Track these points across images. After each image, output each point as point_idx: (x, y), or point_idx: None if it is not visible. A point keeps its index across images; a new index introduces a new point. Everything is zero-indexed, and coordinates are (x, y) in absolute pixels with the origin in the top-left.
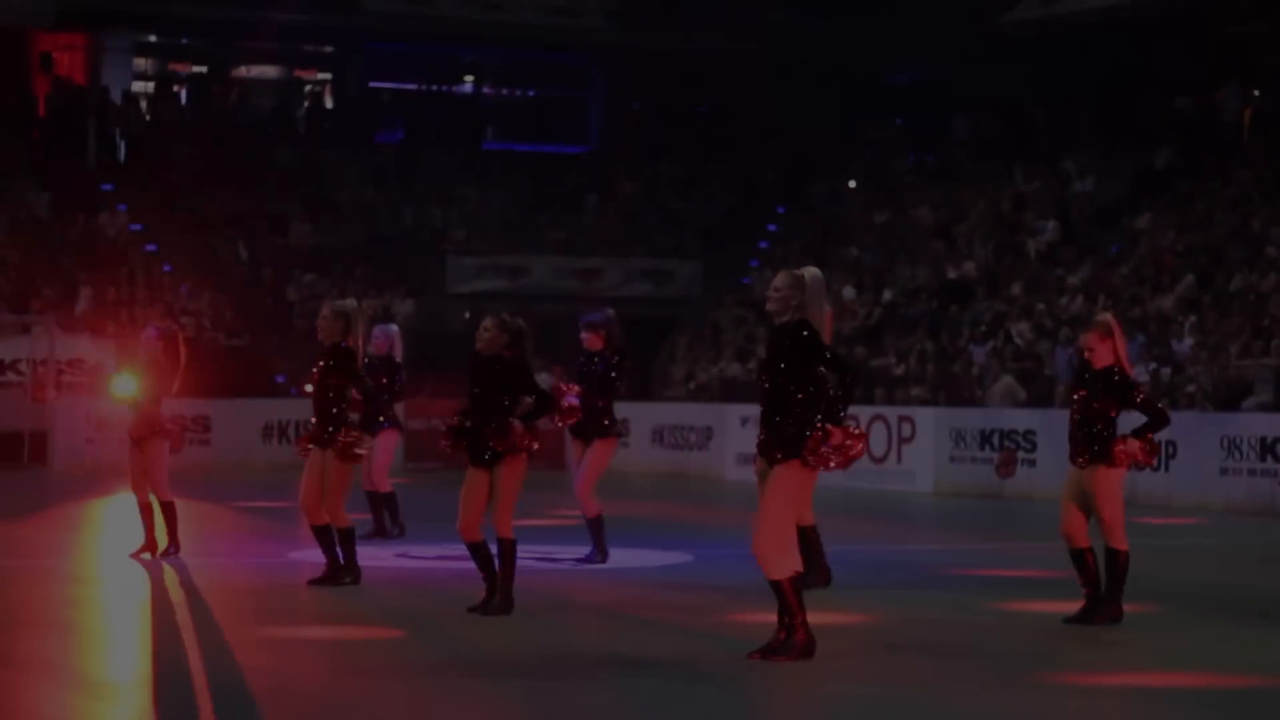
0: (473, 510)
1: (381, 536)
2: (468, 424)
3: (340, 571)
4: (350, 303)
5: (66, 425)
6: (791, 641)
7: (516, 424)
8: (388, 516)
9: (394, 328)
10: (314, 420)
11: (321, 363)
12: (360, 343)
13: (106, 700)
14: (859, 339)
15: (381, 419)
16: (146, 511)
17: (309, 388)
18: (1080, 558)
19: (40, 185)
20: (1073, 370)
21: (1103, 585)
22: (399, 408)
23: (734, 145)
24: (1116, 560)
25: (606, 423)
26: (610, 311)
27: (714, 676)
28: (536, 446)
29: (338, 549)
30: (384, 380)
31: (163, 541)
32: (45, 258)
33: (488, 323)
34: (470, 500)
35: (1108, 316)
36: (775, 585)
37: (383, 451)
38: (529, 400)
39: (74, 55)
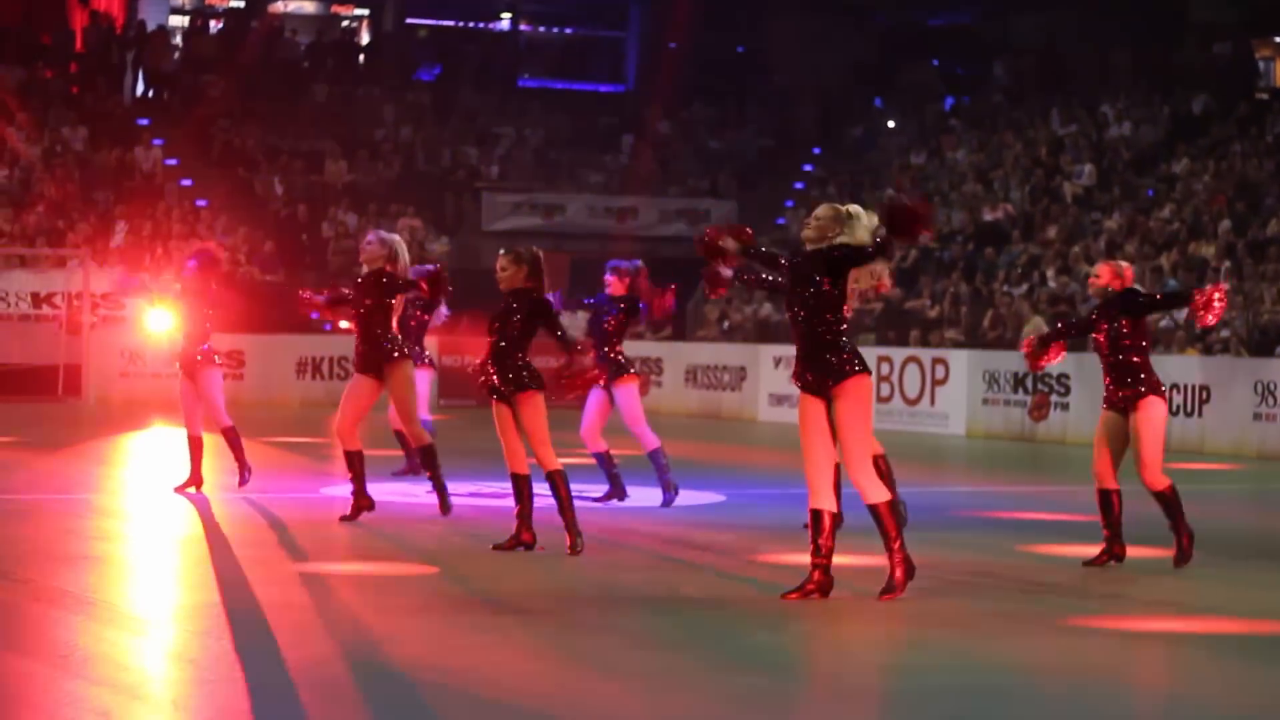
0: (513, 444)
1: (415, 474)
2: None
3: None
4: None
5: (101, 358)
6: (892, 581)
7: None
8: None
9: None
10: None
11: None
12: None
13: (137, 634)
14: (894, 280)
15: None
16: (196, 446)
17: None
18: (1106, 499)
19: (76, 119)
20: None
21: (1121, 531)
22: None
23: (770, 86)
24: (1166, 499)
25: (623, 364)
26: (640, 264)
27: (746, 616)
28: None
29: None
30: (425, 317)
31: (210, 475)
32: (81, 192)
33: (503, 260)
34: (505, 435)
35: (1124, 263)
36: (872, 509)
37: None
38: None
39: None
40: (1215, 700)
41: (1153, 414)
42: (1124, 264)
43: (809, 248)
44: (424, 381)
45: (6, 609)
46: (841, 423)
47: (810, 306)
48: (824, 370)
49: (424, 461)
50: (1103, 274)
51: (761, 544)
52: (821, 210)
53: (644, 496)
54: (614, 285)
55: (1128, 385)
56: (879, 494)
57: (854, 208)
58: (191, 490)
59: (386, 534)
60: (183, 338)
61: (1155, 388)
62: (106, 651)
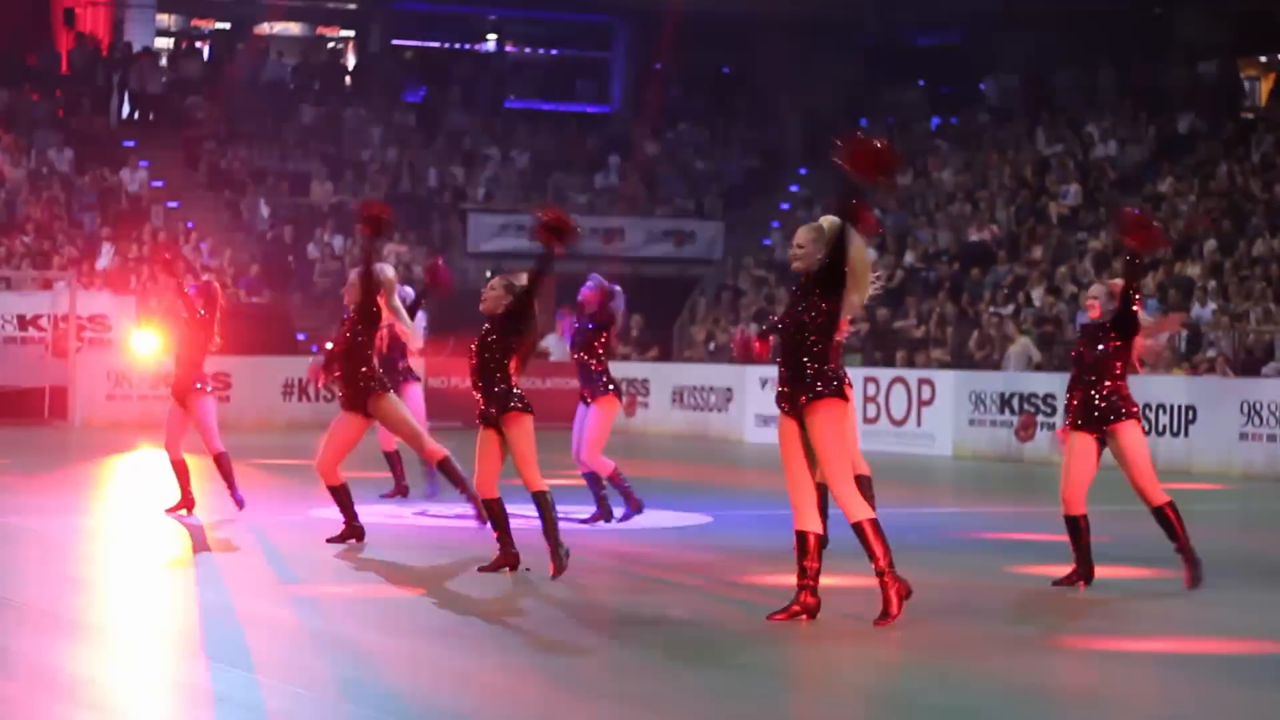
0: (486, 468)
1: (404, 495)
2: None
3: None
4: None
5: (87, 381)
6: (886, 608)
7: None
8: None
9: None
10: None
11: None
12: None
13: (124, 658)
14: (880, 301)
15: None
16: (181, 469)
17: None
18: (1074, 524)
19: (62, 141)
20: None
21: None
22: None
23: (756, 106)
24: (1166, 515)
25: (604, 383)
26: (617, 288)
27: (732, 637)
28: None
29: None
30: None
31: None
32: (67, 214)
33: (494, 281)
34: (483, 458)
35: (1118, 283)
36: (856, 528)
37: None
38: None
39: (97, 11)
40: None
41: (1136, 430)
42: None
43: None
44: (417, 396)
45: None
46: (816, 444)
47: (797, 324)
48: (798, 389)
49: (445, 473)
50: (1100, 300)
51: (748, 565)
52: (801, 235)
53: (643, 518)
54: (588, 298)
55: (1110, 411)
56: (862, 511)
57: (829, 220)
58: (183, 513)
59: (373, 556)
60: (176, 363)
61: (1133, 409)
62: (93, 675)
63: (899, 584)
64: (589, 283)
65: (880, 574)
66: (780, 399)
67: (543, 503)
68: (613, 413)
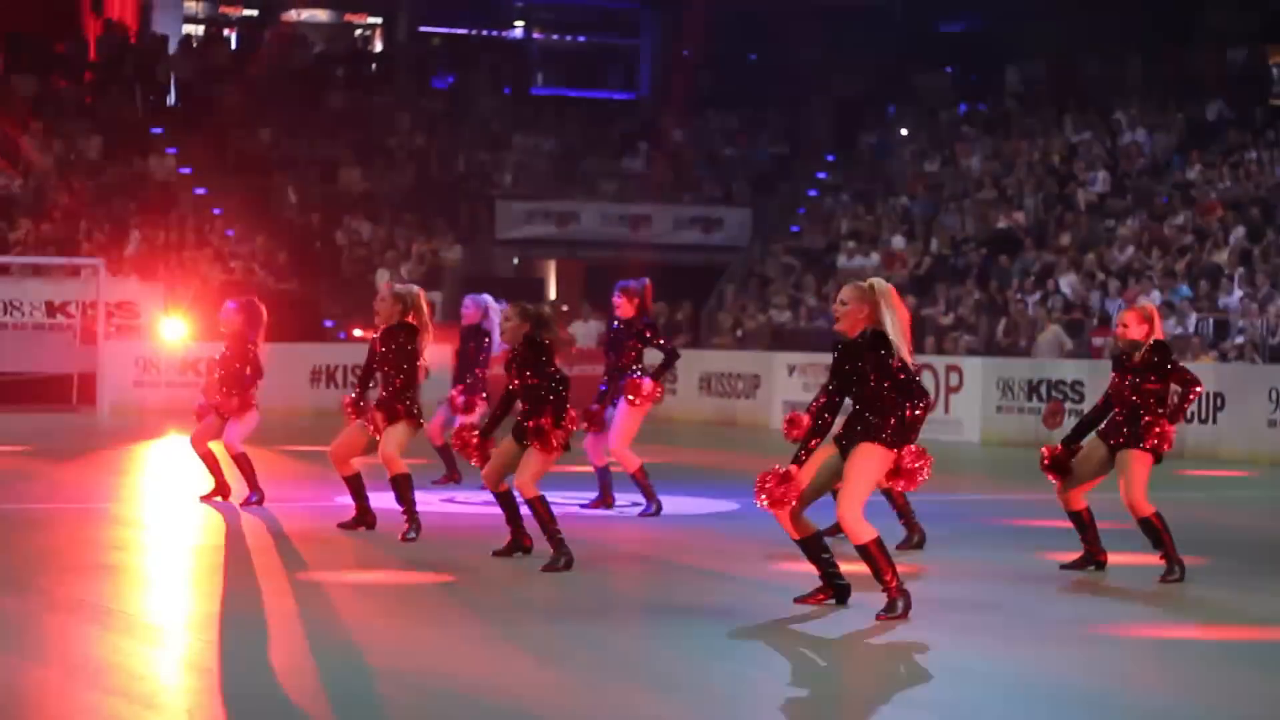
0: (495, 465)
1: (456, 482)
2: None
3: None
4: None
5: (115, 368)
6: (893, 604)
7: (550, 428)
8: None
9: (487, 297)
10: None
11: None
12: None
13: (152, 644)
14: (908, 288)
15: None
16: (210, 459)
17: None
18: (1077, 518)
19: (90, 129)
20: (1113, 358)
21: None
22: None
23: (784, 93)
24: (1152, 525)
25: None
26: (647, 281)
27: (759, 624)
28: (564, 447)
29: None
30: (472, 346)
31: (236, 487)
32: (95, 201)
33: (508, 311)
34: (498, 456)
35: (1150, 305)
36: (861, 550)
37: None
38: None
39: None
40: (1229, 708)
41: (1145, 458)
42: (1154, 313)
43: (849, 336)
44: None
45: (22, 618)
46: (849, 471)
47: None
48: (854, 429)
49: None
50: (1131, 325)
51: (775, 552)
52: (846, 294)
53: (670, 505)
54: (623, 306)
55: (1128, 432)
56: (866, 533)
57: (878, 282)
58: (218, 499)
59: (397, 545)
60: (219, 380)
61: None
62: (121, 661)
63: (904, 594)
64: (616, 296)
65: (884, 585)
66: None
67: (538, 508)
68: (643, 411)
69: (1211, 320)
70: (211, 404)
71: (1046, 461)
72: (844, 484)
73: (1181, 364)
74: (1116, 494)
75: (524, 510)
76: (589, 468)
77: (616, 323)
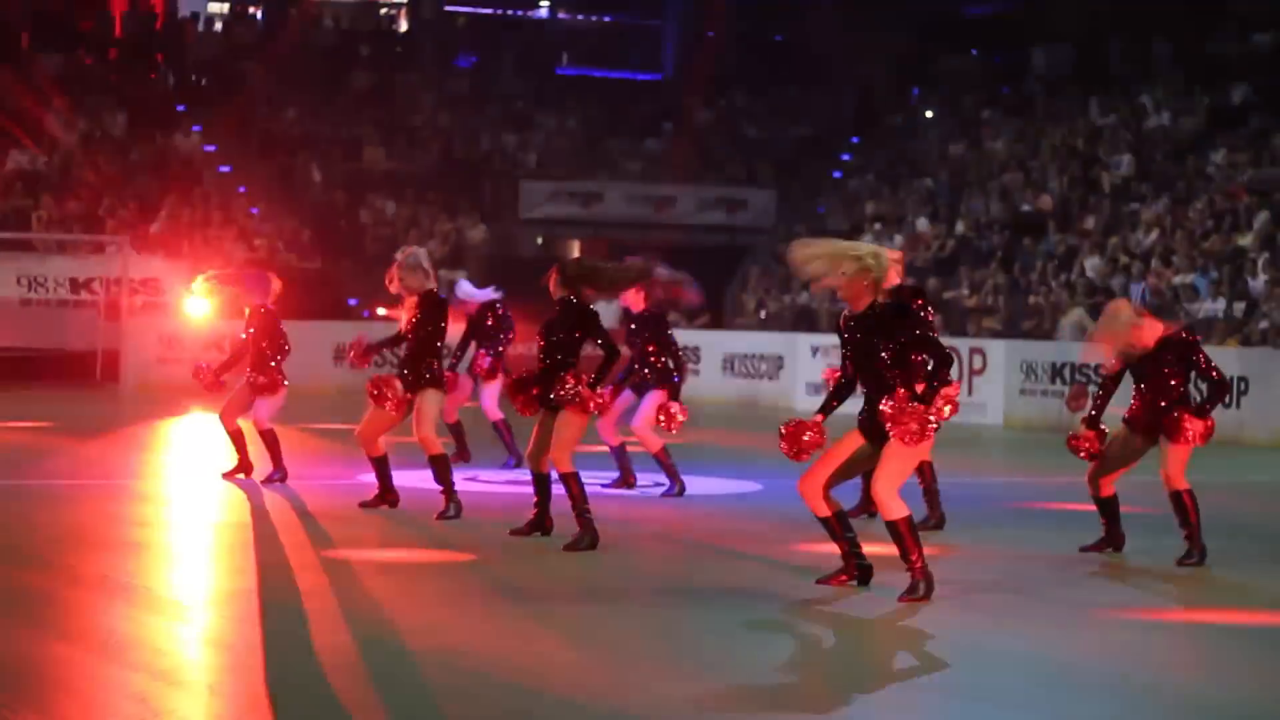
0: (537, 442)
1: (520, 464)
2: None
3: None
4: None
5: (139, 344)
6: (916, 584)
7: (583, 388)
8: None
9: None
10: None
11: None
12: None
13: (175, 620)
14: (932, 269)
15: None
16: (238, 436)
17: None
18: (1105, 503)
19: (115, 106)
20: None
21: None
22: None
23: (809, 75)
24: (1183, 502)
25: (660, 367)
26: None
27: (782, 605)
28: (600, 405)
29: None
30: (490, 322)
31: (259, 465)
32: (120, 178)
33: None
34: (537, 433)
35: (1146, 311)
36: (890, 525)
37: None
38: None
39: None
40: (1250, 689)
41: (1181, 449)
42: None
43: (855, 309)
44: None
45: (46, 594)
46: (888, 450)
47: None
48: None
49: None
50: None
51: (798, 533)
52: (848, 267)
53: (693, 486)
54: (632, 300)
55: (1158, 426)
56: (898, 510)
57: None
58: (240, 477)
59: (420, 523)
60: (250, 364)
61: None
62: (144, 636)
63: (927, 575)
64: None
65: (909, 564)
66: (862, 422)
67: (570, 484)
68: (663, 396)
69: (1235, 305)
70: (206, 383)
71: (1084, 454)
72: (883, 460)
73: (1206, 360)
74: (1141, 479)
75: (555, 491)
76: (604, 448)
77: (631, 322)
